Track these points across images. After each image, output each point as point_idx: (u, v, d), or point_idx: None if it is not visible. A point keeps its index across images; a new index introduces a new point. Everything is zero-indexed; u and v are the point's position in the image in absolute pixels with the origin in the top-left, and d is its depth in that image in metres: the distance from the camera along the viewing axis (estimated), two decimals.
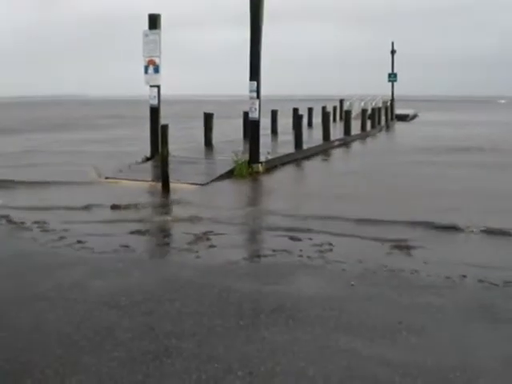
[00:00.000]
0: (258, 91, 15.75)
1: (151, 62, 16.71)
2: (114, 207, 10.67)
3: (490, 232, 8.93)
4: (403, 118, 46.11)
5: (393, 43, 45.86)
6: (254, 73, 15.77)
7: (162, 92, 16.92)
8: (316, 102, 39.62)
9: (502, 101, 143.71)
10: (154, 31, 16.79)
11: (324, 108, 28.18)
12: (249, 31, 15.63)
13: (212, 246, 7.99)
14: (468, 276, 6.69)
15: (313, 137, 24.15)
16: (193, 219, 9.69)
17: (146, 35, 16.80)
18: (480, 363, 4.59)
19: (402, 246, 7.97)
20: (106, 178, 14.32)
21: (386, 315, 5.52)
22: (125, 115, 52.88)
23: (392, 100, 44.21)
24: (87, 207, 10.72)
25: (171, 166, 13.16)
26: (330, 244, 8.05)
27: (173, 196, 12.15)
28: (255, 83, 15.74)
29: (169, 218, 10.14)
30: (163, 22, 16.94)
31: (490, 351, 4.81)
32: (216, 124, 21.74)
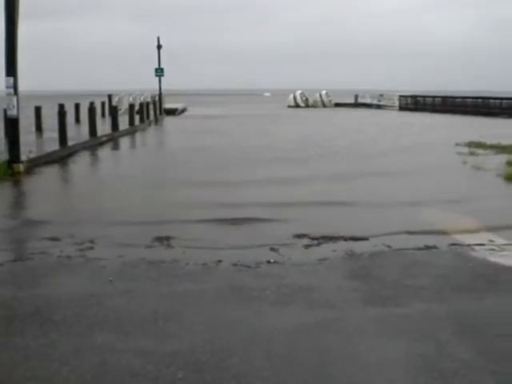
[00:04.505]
0: (15, 87, 14.92)
1: None
2: None
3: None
4: (172, 112, 47.06)
5: (158, 38, 46.54)
6: (10, 68, 14.92)
7: None
8: (91, 98, 38.79)
9: (267, 94, 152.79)
10: None
11: (92, 103, 27.59)
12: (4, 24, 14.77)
13: None
14: (223, 261, 7.04)
15: (80, 133, 23.76)
16: None
17: None
18: (230, 343, 4.86)
19: (163, 238, 8.12)
20: None
21: (144, 307, 5.61)
22: None
23: (160, 95, 44.74)
24: None
25: None
26: (92, 241, 7.94)
27: None
28: (12, 79, 14.87)
29: None
30: None
31: (239, 330, 5.12)
32: None
